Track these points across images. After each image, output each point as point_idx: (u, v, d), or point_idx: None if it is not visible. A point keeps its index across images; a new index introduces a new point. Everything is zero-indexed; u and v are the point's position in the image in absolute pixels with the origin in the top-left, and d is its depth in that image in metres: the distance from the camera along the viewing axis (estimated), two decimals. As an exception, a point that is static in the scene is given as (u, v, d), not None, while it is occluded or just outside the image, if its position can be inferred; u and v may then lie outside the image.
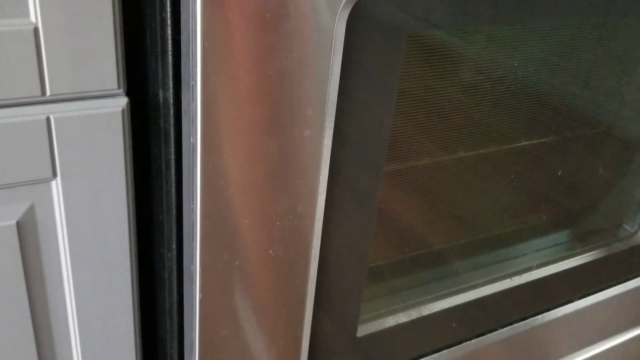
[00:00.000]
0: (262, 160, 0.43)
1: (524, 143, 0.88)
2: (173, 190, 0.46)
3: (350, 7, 0.38)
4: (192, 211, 0.45)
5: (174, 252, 0.49)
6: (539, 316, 0.71)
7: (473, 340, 0.66)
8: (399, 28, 0.40)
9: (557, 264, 0.71)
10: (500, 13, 0.45)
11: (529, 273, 0.68)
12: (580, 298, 0.74)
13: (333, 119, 0.41)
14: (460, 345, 0.66)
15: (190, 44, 0.38)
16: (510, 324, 0.70)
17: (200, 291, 0.47)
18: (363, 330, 0.56)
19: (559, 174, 0.77)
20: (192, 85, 0.40)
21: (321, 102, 0.40)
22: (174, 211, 0.47)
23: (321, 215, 0.45)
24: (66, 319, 0.49)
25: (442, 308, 0.61)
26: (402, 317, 0.58)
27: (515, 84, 0.62)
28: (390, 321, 0.57)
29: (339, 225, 0.46)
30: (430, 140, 0.77)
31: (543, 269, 0.70)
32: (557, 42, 0.61)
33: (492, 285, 0.66)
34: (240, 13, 0.38)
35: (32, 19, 0.37)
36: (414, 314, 0.59)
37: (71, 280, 0.47)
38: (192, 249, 0.46)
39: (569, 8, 0.51)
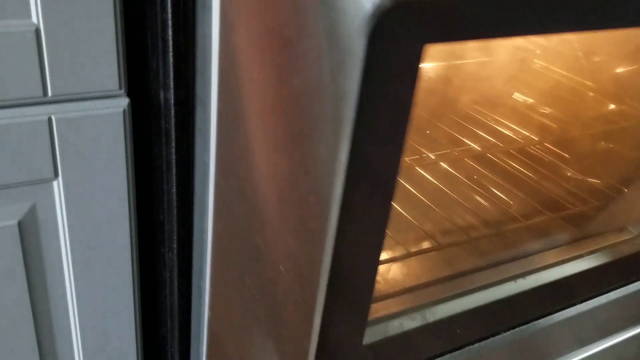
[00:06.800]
0: (277, 179, 0.43)
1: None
2: (174, 190, 0.46)
3: (372, 25, 0.36)
4: (204, 230, 0.44)
5: (175, 251, 0.49)
6: (542, 319, 0.71)
7: (476, 345, 0.66)
8: (419, 42, 0.39)
9: (561, 267, 0.71)
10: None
11: (533, 275, 0.68)
12: (582, 301, 0.74)
13: (349, 136, 0.40)
14: (463, 349, 0.66)
15: (206, 62, 0.38)
16: (514, 327, 0.70)
17: (210, 309, 0.47)
18: (369, 338, 0.56)
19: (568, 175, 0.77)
20: (207, 102, 0.40)
21: (337, 120, 0.39)
22: (174, 211, 0.47)
23: (334, 231, 0.44)
24: (67, 318, 0.49)
25: (447, 313, 0.61)
26: (407, 322, 0.58)
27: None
28: (395, 326, 0.57)
29: (350, 241, 0.46)
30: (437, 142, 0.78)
31: (547, 271, 0.70)
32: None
33: (497, 287, 0.66)
34: (257, 32, 0.37)
35: (34, 19, 0.37)
36: (418, 317, 0.59)
37: (72, 280, 0.47)
38: (202, 265, 0.46)
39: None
